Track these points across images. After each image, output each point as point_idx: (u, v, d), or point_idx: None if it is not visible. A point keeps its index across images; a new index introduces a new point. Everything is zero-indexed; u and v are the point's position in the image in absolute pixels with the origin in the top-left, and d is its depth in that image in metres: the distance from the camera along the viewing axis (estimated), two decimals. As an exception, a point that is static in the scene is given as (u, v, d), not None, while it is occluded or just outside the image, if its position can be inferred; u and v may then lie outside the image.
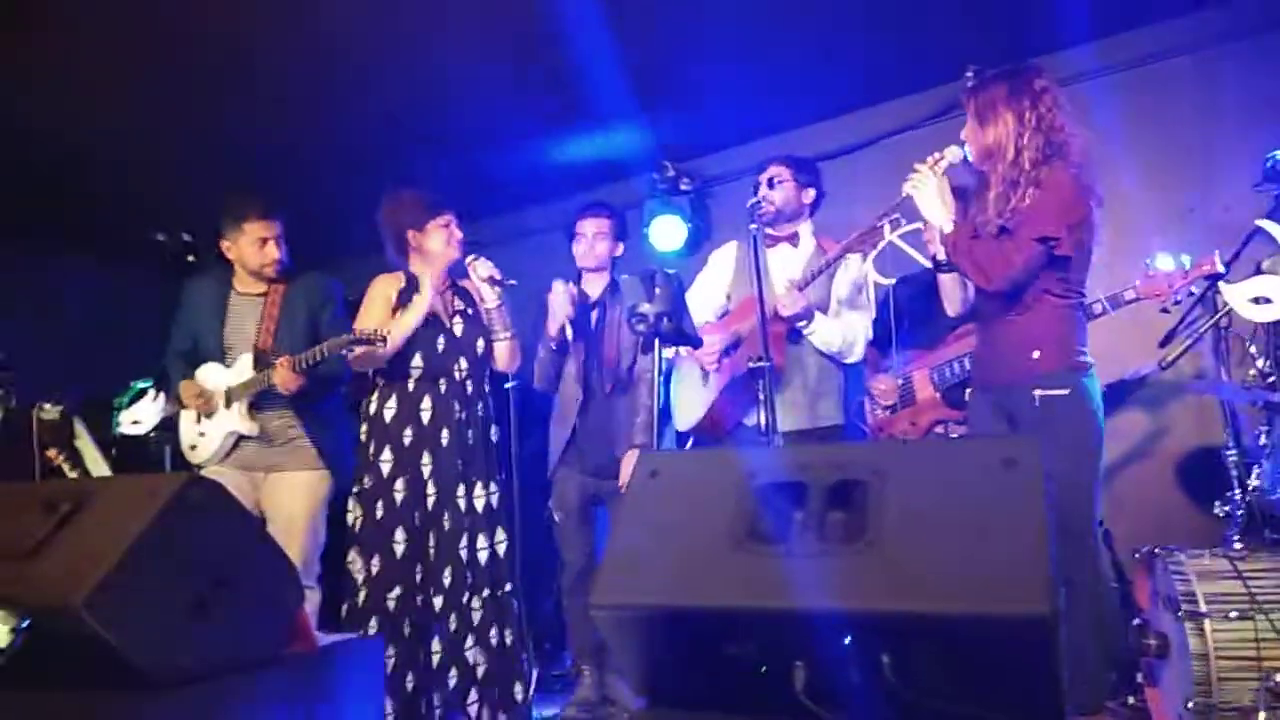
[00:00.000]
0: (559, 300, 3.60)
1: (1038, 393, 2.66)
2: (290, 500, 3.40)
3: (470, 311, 3.47)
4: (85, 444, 3.73)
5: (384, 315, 3.36)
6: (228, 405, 3.42)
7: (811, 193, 3.58)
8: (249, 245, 3.48)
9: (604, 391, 3.64)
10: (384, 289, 3.42)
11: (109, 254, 5.56)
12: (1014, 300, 2.77)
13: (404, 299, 3.37)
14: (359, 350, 3.23)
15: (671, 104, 4.55)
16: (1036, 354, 2.71)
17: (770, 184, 3.51)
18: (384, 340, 3.20)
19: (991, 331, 2.86)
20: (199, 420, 3.48)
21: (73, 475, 3.63)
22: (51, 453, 3.64)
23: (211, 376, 3.48)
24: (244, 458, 3.46)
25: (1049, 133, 2.72)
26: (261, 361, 3.42)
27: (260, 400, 3.43)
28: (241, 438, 3.44)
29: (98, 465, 3.73)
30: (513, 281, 3.39)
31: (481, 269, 3.34)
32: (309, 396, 3.45)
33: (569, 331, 3.63)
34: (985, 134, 2.80)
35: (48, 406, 3.67)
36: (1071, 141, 2.72)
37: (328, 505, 3.50)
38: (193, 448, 3.50)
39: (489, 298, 3.37)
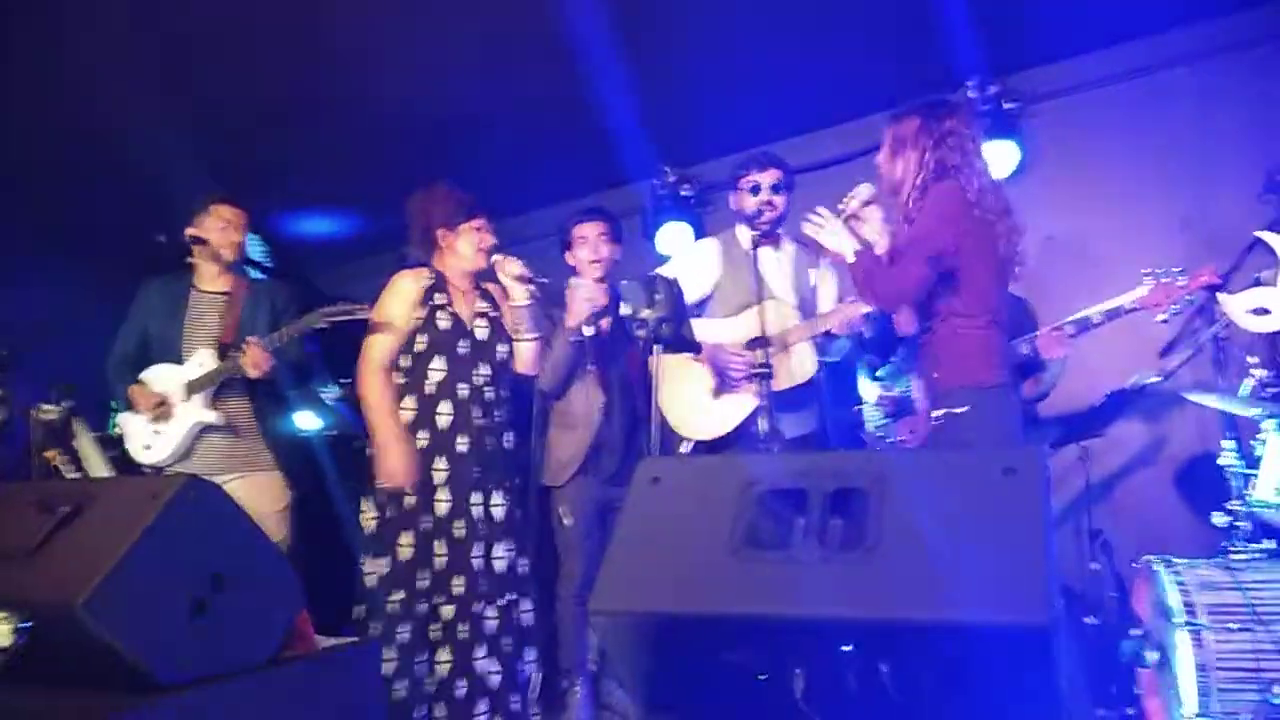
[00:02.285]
0: (584, 290, 3.49)
1: (937, 412, 2.75)
2: (253, 502, 3.34)
3: (493, 314, 3.43)
4: (85, 444, 3.72)
5: (406, 310, 3.30)
6: (187, 399, 3.42)
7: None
8: (214, 226, 3.57)
9: (626, 396, 3.62)
10: (408, 284, 3.35)
11: (104, 253, 5.56)
12: (924, 321, 2.87)
13: (428, 297, 3.32)
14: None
15: (671, 110, 4.55)
16: (937, 374, 2.80)
17: (776, 188, 3.51)
18: (366, 310, 3.22)
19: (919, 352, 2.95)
20: (152, 420, 3.47)
21: (72, 476, 3.62)
22: (51, 453, 3.63)
23: (162, 377, 3.49)
24: (207, 458, 3.44)
25: (941, 174, 2.79)
26: (224, 353, 3.45)
27: (221, 391, 3.45)
28: (205, 430, 3.44)
29: (98, 466, 3.73)
30: (545, 279, 3.34)
31: (511, 267, 3.28)
32: (272, 391, 3.50)
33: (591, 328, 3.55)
34: (893, 167, 2.90)
35: (47, 407, 3.67)
36: (966, 176, 2.77)
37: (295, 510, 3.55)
38: (147, 448, 3.47)
39: (518, 296, 3.31)
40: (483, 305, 3.43)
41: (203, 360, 3.46)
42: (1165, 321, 3.16)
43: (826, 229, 2.94)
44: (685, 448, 3.51)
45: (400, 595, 3.14)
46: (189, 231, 3.57)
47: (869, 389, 3.72)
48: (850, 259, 2.88)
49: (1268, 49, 3.85)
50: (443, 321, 3.30)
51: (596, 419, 3.56)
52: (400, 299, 3.32)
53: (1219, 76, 3.94)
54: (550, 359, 3.51)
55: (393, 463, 3.19)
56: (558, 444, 3.62)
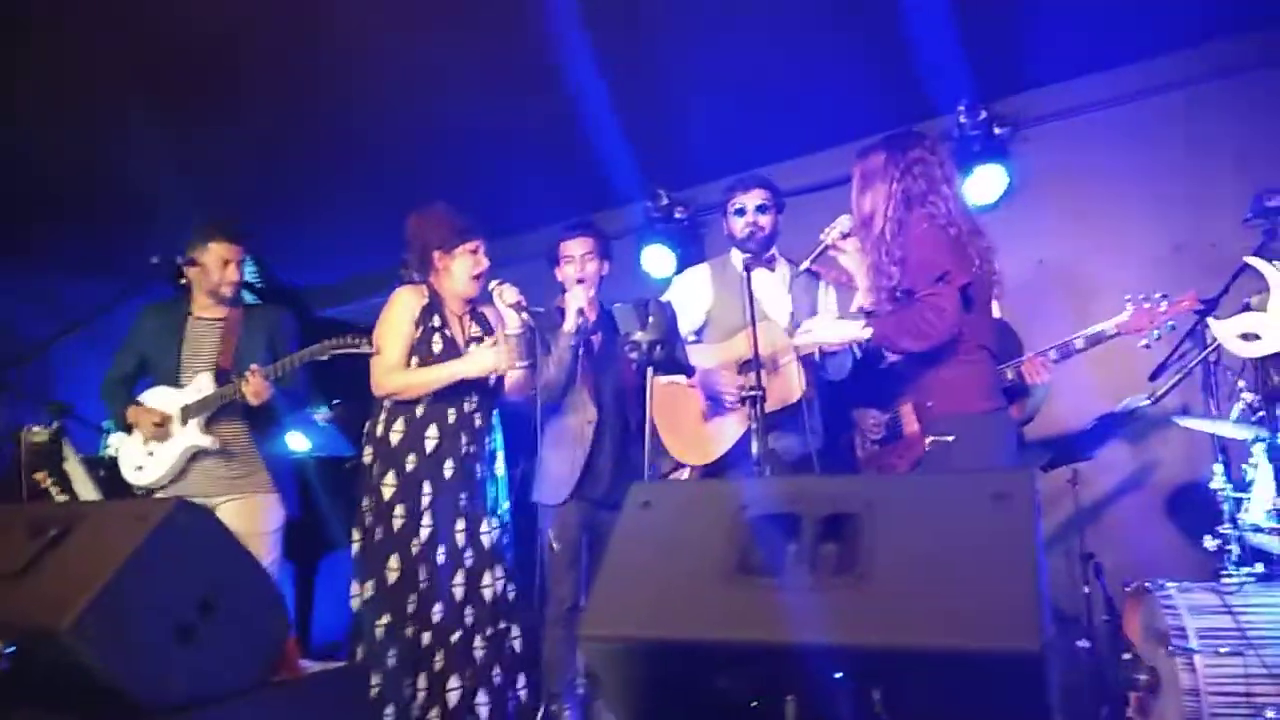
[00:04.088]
0: (576, 293, 3.49)
1: (928, 439, 2.78)
2: (246, 523, 3.36)
3: (486, 340, 3.42)
4: (74, 466, 3.71)
5: (407, 328, 3.30)
6: (183, 423, 3.44)
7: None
8: (212, 263, 3.57)
9: (618, 415, 3.60)
10: (408, 302, 3.35)
11: (104, 272, 5.56)
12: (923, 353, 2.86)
13: (426, 317, 3.33)
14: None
15: (666, 133, 4.58)
16: (931, 403, 2.82)
17: (762, 209, 3.52)
18: (369, 344, 3.22)
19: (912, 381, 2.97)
20: (146, 442, 3.48)
21: (61, 498, 3.61)
22: (40, 475, 3.62)
23: (161, 400, 3.50)
24: (200, 480, 3.45)
25: (910, 203, 2.82)
26: (223, 378, 3.46)
27: (216, 416, 3.47)
28: (197, 454, 3.45)
29: (87, 488, 3.71)
30: (540, 308, 3.34)
31: (508, 294, 3.26)
32: (267, 415, 3.51)
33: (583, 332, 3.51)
34: (863, 202, 2.92)
35: (36, 429, 3.66)
36: (934, 202, 2.80)
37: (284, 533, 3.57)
38: (139, 469, 3.48)
39: (511, 324, 3.29)
40: (476, 330, 3.42)
41: (201, 385, 3.47)
42: (1148, 347, 3.18)
43: (813, 333, 3.03)
44: (683, 473, 3.50)
45: (387, 619, 3.11)
46: (185, 257, 3.59)
47: (861, 412, 3.72)
48: (864, 335, 2.89)
49: (1256, 74, 3.89)
50: (436, 345, 3.29)
51: (588, 435, 3.55)
52: (403, 310, 3.33)
53: (1208, 102, 3.98)
54: (552, 361, 3.49)
55: (482, 359, 3.24)
56: (550, 461, 3.60)
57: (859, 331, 2.91)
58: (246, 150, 4.60)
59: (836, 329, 3.00)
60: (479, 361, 3.25)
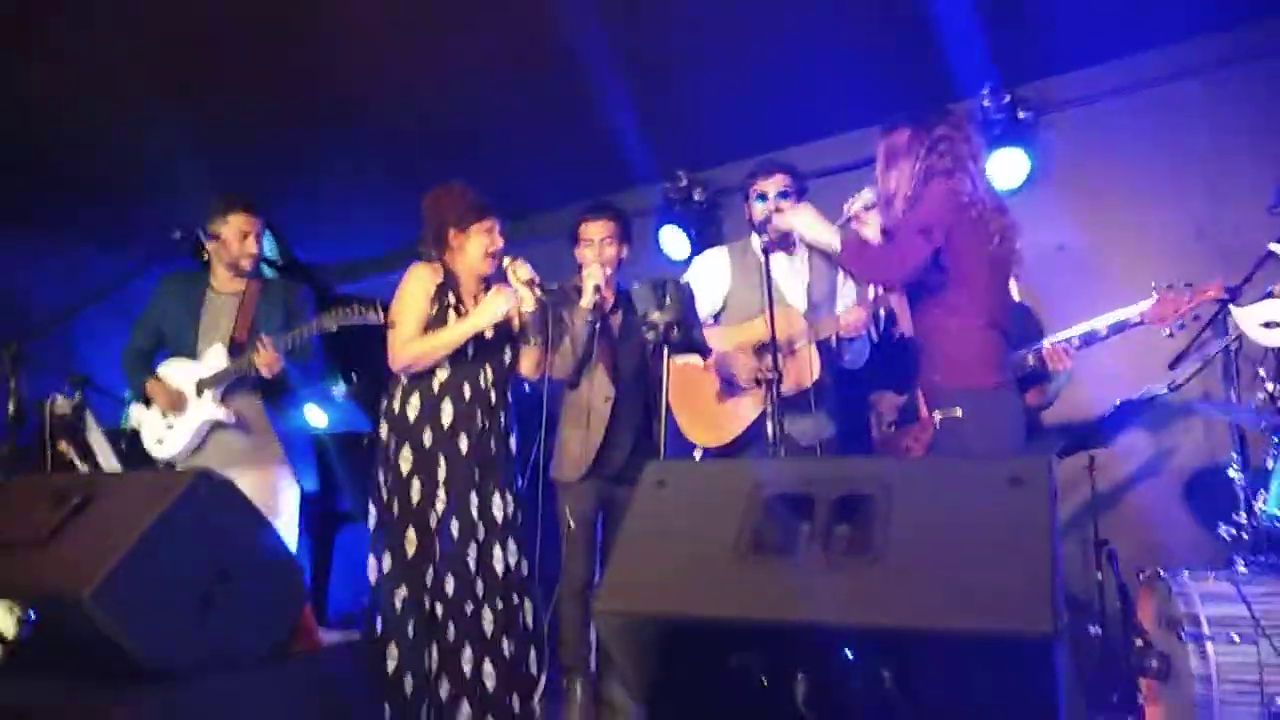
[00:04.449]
0: (594, 270, 3.49)
1: (936, 414, 2.79)
2: (260, 495, 3.35)
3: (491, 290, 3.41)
4: (97, 437, 3.75)
5: (421, 303, 3.31)
6: (199, 395, 3.50)
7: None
8: (231, 235, 3.61)
9: (638, 393, 3.62)
10: (423, 278, 3.36)
11: (124, 246, 5.61)
12: (923, 323, 2.89)
13: (441, 295, 3.34)
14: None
15: (687, 114, 4.56)
16: (938, 377, 2.82)
17: (783, 195, 3.51)
18: (376, 313, 3.25)
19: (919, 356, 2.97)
20: (165, 415, 3.54)
21: (83, 468, 3.65)
22: (62, 445, 3.66)
23: (177, 372, 3.55)
24: (217, 452, 3.49)
25: (933, 178, 2.81)
26: (237, 351, 3.51)
27: (231, 388, 3.51)
28: (214, 426, 3.50)
29: (109, 459, 3.75)
30: (554, 285, 3.35)
31: (521, 271, 3.27)
32: (282, 388, 3.56)
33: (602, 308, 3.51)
34: (887, 179, 2.92)
35: (60, 399, 3.70)
36: (959, 178, 2.79)
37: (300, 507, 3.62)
38: (159, 442, 3.55)
39: (526, 301, 3.31)
40: None
41: (216, 358, 3.51)
42: (1171, 335, 3.16)
43: (798, 217, 3.02)
44: (696, 454, 3.51)
45: (405, 591, 3.14)
46: (205, 231, 3.62)
47: (878, 395, 3.71)
48: (836, 246, 2.92)
49: (1278, 62, 3.84)
50: (451, 322, 3.30)
51: (606, 413, 3.56)
52: (419, 286, 3.34)
53: (1231, 88, 3.93)
54: (568, 336, 3.49)
55: (494, 306, 3.23)
56: (566, 439, 3.61)
57: (832, 238, 2.94)
58: (265, 128, 4.61)
59: (816, 224, 3.01)
60: (491, 309, 3.24)
